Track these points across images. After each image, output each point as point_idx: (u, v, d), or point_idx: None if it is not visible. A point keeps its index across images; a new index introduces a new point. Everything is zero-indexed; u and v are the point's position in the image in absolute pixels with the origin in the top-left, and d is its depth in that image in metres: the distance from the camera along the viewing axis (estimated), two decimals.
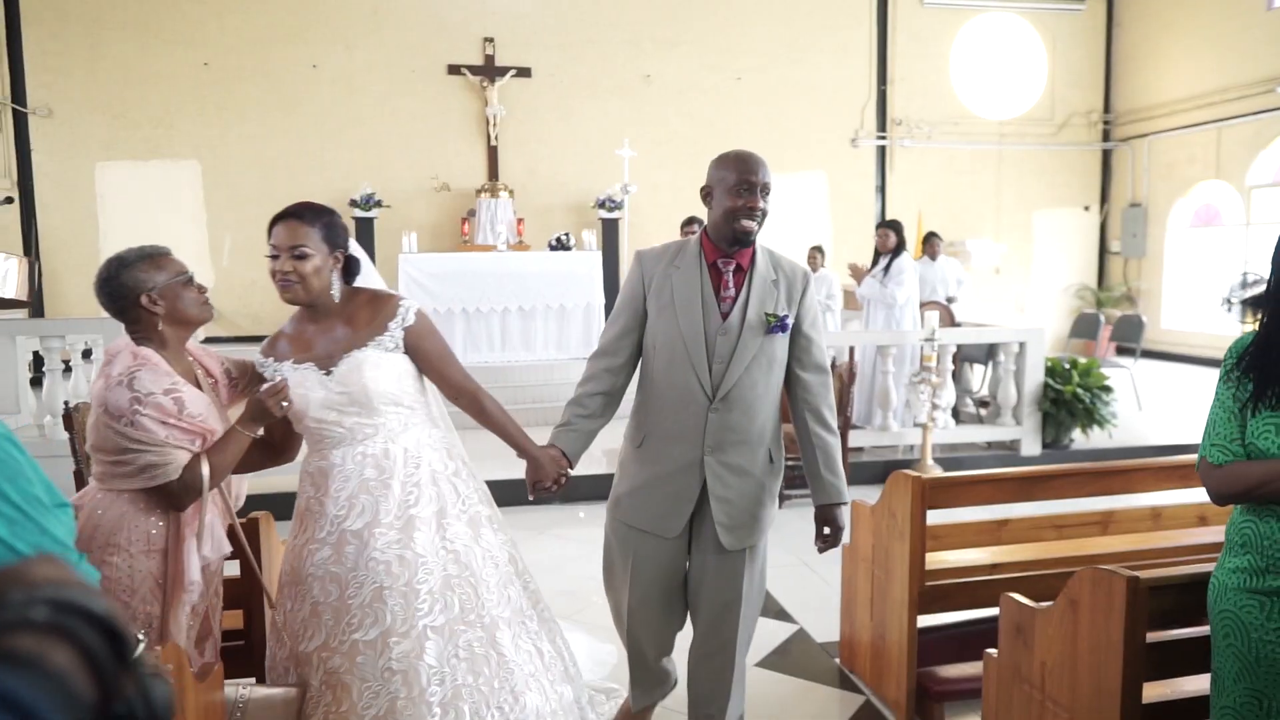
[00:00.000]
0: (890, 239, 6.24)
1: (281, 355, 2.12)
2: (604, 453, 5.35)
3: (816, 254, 7.49)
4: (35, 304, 8.36)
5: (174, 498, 1.87)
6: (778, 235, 10.34)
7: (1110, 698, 1.84)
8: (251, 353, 2.22)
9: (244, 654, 2.32)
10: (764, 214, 2.19)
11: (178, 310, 1.93)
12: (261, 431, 1.99)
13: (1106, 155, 12.14)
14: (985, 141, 11.71)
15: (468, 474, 2.19)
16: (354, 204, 9.58)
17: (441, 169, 10.31)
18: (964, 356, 6.70)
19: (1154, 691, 1.91)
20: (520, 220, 10.09)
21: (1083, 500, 3.07)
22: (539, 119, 10.49)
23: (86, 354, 6.27)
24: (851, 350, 5.60)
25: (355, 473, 2.05)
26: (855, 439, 5.80)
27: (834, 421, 2.34)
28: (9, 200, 6.18)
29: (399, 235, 9.09)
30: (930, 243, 8.11)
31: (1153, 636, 1.86)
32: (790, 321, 2.25)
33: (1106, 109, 12.04)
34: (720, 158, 2.23)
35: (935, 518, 2.86)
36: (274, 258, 2.04)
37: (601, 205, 9.97)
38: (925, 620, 2.87)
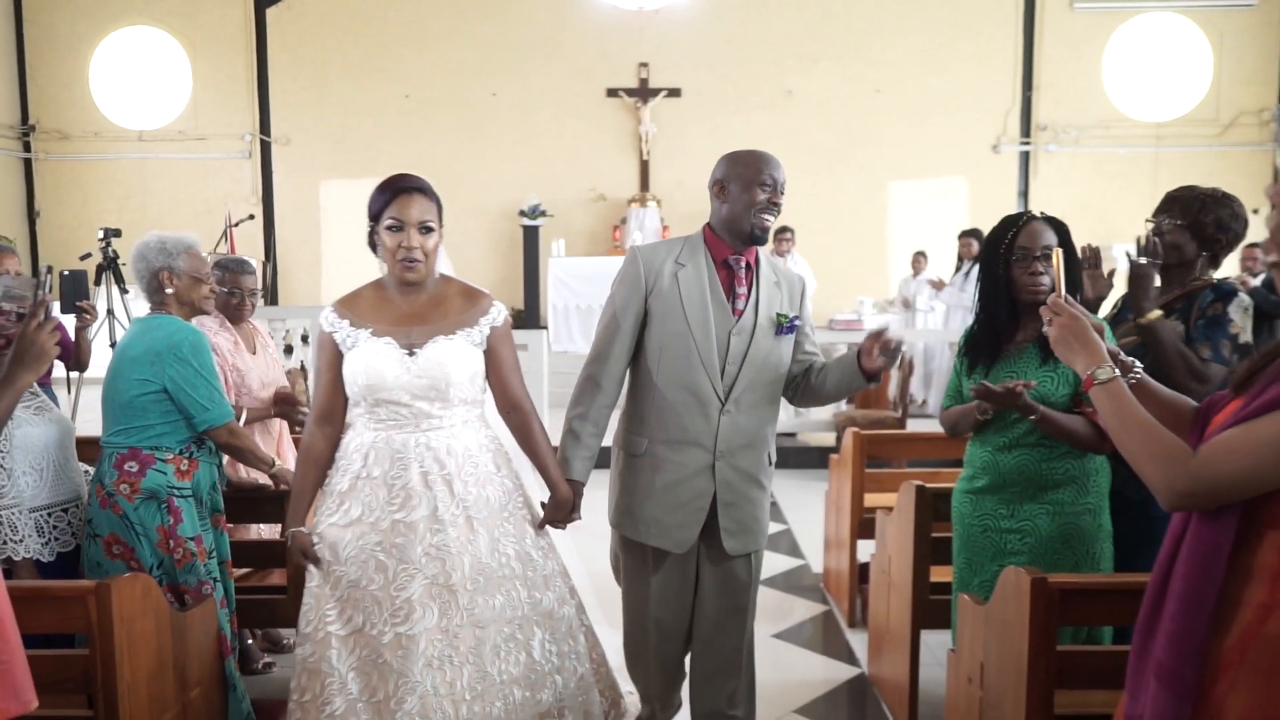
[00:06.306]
0: (973, 246, 6.75)
1: (361, 319, 2.07)
2: None
3: (920, 258, 8.03)
4: (270, 296, 10.41)
5: None
6: (917, 240, 10.76)
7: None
8: None
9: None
10: (779, 211, 2.18)
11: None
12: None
13: None
14: (1140, 144, 11.51)
15: (512, 478, 2.18)
16: (522, 213, 11.01)
17: (598, 182, 11.57)
18: None
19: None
20: (666, 227, 11.16)
21: None
22: (687, 134, 11.47)
23: (304, 337, 7.96)
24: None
25: (415, 461, 2.01)
26: (925, 425, 6.42)
27: None
28: (250, 217, 7.98)
29: (559, 241, 10.46)
30: None
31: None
32: (799, 323, 2.27)
33: None
34: (735, 154, 2.20)
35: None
36: (395, 229, 1.98)
37: None
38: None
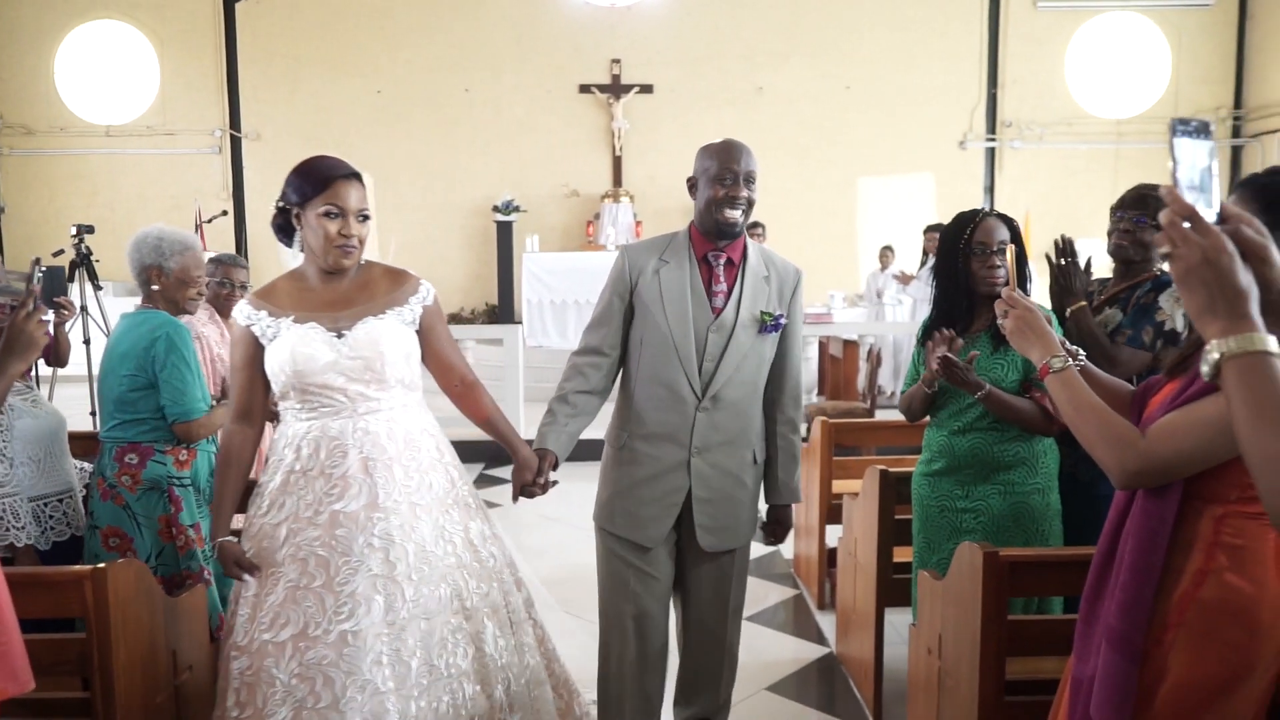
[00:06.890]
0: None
1: (280, 309, 1.99)
2: None
3: (887, 253, 8.19)
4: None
5: None
6: (885, 235, 10.94)
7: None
8: None
9: None
10: (749, 203, 2.15)
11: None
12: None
13: (1236, 152, 11.88)
14: (1102, 141, 11.78)
15: (456, 465, 2.12)
16: (496, 209, 11.05)
17: (572, 177, 11.63)
18: None
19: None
20: (639, 222, 11.25)
21: None
22: (659, 130, 11.57)
23: None
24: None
25: (354, 448, 1.93)
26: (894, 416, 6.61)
27: (801, 423, 2.37)
28: (224, 213, 7.97)
29: (533, 236, 10.52)
30: None
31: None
32: (784, 321, 2.22)
33: (1237, 105, 11.78)
34: (705, 147, 2.19)
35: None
36: (334, 216, 1.92)
37: None
38: None
